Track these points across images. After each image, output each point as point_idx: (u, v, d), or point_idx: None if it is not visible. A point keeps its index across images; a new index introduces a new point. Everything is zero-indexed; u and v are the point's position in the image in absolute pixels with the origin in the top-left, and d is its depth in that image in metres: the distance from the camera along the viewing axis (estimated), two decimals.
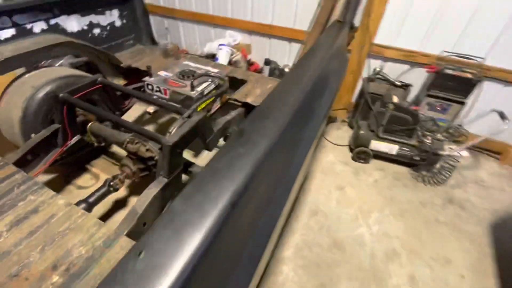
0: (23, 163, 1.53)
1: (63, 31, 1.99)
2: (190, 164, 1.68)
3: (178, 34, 3.51)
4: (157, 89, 1.83)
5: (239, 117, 1.94)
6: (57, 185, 2.02)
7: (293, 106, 0.96)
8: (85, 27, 2.11)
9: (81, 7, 2.06)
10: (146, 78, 1.85)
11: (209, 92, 1.87)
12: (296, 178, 0.99)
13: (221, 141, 1.96)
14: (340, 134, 2.81)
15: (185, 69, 1.97)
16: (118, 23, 2.36)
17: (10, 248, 1.00)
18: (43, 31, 1.87)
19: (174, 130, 1.38)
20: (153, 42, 2.62)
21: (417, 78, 2.52)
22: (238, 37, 3.09)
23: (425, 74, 2.44)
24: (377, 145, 2.29)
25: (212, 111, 2.03)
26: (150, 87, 1.86)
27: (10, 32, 1.69)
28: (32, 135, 1.70)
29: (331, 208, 2.07)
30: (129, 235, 1.20)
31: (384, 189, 2.24)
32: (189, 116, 1.48)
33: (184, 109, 1.59)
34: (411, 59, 2.43)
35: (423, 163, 2.27)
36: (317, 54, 1.40)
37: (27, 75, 1.78)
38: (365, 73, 2.60)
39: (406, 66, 2.53)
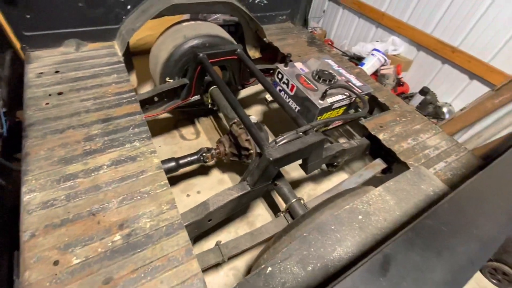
0: (149, 102, 1.67)
1: None
2: (279, 175, 1.48)
3: (333, 21, 3.15)
4: (286, 81, 1.64)
5: (357, 150, 1.57)
6: (168, 126, 2.22)
7: None
8: None
9: None
10: (280, 65, 1.68)
11: (339, 107, 1.56)
12: None
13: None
14: None
15: (325, 70, 1.68)
16: None
17: (102, 185, 1.08)
18: None
19: (282, 142, 1.17)
20: (305, 24, 2.39)
21: None
22: (401, 48, 2.50)
23: None
24: None
25: (331, 126, 1.72)
26: (279, 75, 1.68)
27: None
28: (167, 78, 1.84)
29: None
30: (191, 225, 1.15)
31: None
32: (305, 132, 1.24)
33: (301, 120, 1.35)
34: None
35: None
36: None
37: (184, 23, 1.89)
38: None
39: None
